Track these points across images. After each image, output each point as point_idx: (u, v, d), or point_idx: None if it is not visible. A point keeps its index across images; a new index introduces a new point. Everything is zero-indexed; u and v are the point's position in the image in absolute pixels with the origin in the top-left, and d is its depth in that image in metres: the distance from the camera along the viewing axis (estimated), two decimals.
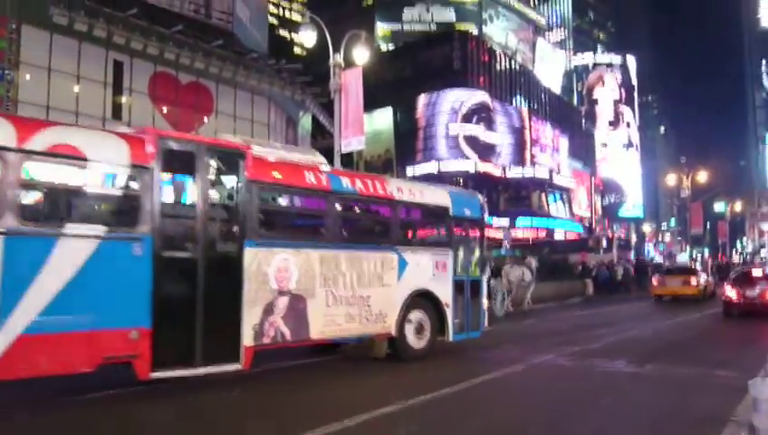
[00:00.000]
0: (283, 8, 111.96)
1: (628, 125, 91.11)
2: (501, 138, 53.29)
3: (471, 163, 49.52)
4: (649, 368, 10.40)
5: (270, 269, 8.45)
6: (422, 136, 51.68)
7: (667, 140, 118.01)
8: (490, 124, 52.44)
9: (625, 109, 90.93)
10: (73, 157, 6.83)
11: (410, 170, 49.10)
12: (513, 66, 62.73)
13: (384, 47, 64.61)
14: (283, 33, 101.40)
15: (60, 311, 6.55)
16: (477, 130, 51.09)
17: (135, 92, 23.65)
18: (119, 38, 22.16)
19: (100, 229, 6.94)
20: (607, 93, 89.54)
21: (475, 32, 64.48)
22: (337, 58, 16.46)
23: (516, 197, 52.86)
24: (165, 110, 24.45)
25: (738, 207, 77.18)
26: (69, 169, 7.00)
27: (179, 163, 8.01)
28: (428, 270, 10.82)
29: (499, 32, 72.84)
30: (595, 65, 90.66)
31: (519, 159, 53.88)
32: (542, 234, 50.26)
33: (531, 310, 22.06)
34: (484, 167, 49.89)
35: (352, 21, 45.40)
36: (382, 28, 69.89)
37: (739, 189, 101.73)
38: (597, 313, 21.43)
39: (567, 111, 72.56)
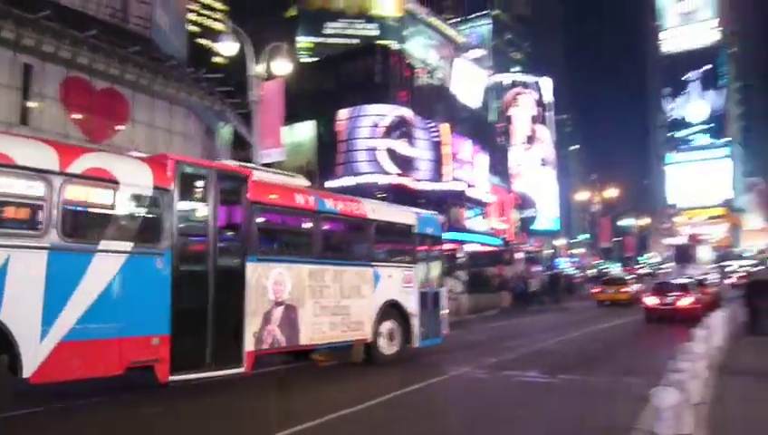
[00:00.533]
0: (204, 16, 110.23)
1: (543, 143, 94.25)
2: (421, 153, 53.94)
3: (391, 177, 49.92)
4: (561, 378, 10.74)
5: (268, 282, 9.64)
6: (343, 149, 51.69)
7: (580, 157, 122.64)
8: (411, 139, 52.99)
9: (540, 127, 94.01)
10: (107, 180, 7.83)
11: (331, 183, 49.03)
12: (433, 82, 63.76)
13: (306, 59, 64.44)
14: (204, 41, 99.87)
15: (95, 319, 7.40)
16: (398, 144, 51.53)
17: (46, 98, 22.66)
18: (29, 40, 21.23)
19: (128, 245, 7.95)
20: (522, 112, 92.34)
21: (396, 47, 65.26)
22: (258, 69, 16.34)
23: (436, 211, 53.53)
24: (78, 116, 23.53)
25: (643, 222, 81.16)
26: (103, 191, 7.94)
27: (193, 186, 9.09)
28: (398, 283, 12.32)
29: (420, 48, 73.99)
30: (512, 84, 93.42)
31: (439, 173, 54.66)
32: (460, 247, 51.10)
33: (462, 321, 22.56)
34: (405, 181, 50.39)
35: (274, 32, 45.12)
36: (304, 40, 69.76)
37: (644, 206, 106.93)
38: (514, 324, 22.01)
39: (486, 128, 74.25)
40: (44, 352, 6.90)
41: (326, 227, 11.38)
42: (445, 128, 57.32)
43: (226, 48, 16.12)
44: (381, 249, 12.61)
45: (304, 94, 48.07)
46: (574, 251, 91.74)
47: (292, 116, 17.63)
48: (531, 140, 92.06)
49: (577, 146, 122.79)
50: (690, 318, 18.07)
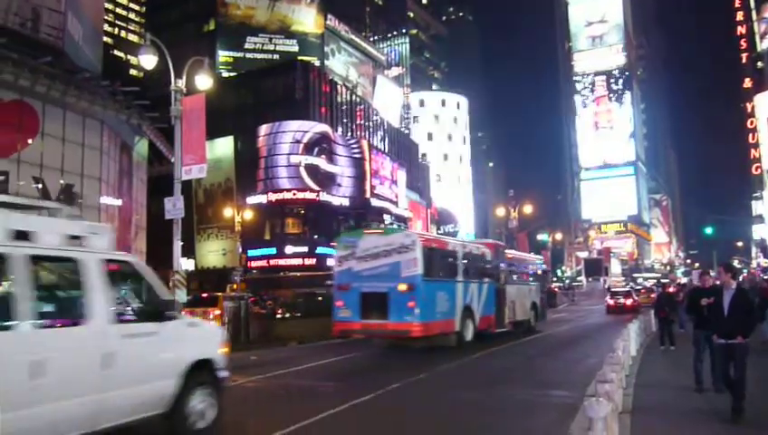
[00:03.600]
0: (119, 27, 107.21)
1: (461, 159, 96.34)
2: (342, 169, 54.14)
3: (312, 193, 49.83)
4: (491, 392, 10.96)
5: (507, 293, 21.50)
6: (264, 165, 51.24)
7: (496, 173, 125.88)
8: (331, 155, 53.13)
9: (457, 144, 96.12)
10: (483, 252, 21.03)
11: (252, 199, 48.46)
12: (353, 99, 64.22)
13: (225, 74, 63.63)
14: (119, 53, 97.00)
15: (485, 308, 19.77)
16: (319, 160, 51.56)
17: None
18: None
19: (486, 280, 20.36)
20: (440, 129, 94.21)
21: (317, 64, 65.38)
22: (179, 84, 16.04)
23: (356, 227, 53.68)
24: None
25: (558, 236, 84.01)
26: (483, 258, 20.84)
27: (498, 253, 22.36)
28: (536, 293, 25.51)
29: (340, 65, 74.39)
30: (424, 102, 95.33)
31: (360, 190, 54.97)
32: None
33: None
34: (326, 197, 50.40)
35: (192, 45, 44.48)
36: (224, 55, 68.90)
37: (559, 221, 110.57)
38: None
39: (405, 145, 75.26)
40: (472, 325, 18.63)
41: (520, 269, 24.92)
42: (365, 144, 57.79)
43: (146, 61, 15.68)
44: (533, 277, 26.12)
45: (224, 109, 47.43)
46: None
47: (211, 131, 17.36)
48: (448, 157, 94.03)
49: (491, 164, 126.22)
50: (631, 310, 34.20)
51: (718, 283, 9.07)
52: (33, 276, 5.47)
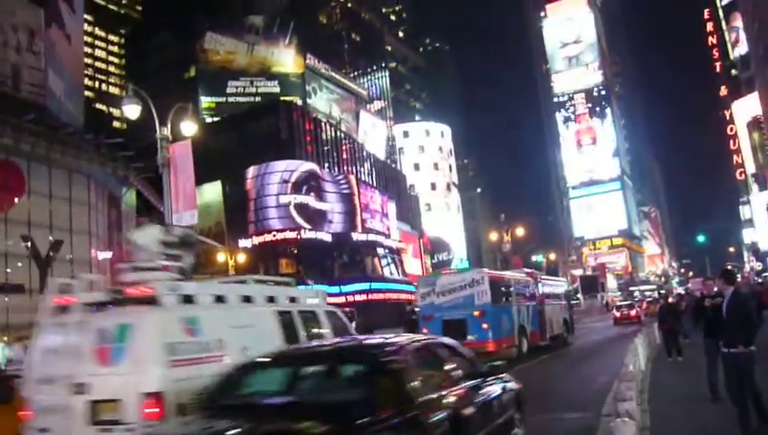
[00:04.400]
0: (99, 81, 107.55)
1: (448, 187, 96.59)
2: (332, 205, 54.05)
3: (304, 232, 49.64)
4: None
5: (546, 311, 25.18)
6: (253, 207, 51.11)
7: (484, 199, 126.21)
8: (320, 192, 53.09)
9: (444, 172, 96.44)
10: (528, 278, 25.60)
11: (245, 242, 48.19)
12: (338, 135, 64.44)
13: (209, 120, 63.80)
14: (101, 106, 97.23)
15: (532, 326, 23.50)
16: (308, 199, 51.50)
17: None
18: None
19: (530, 303, 24.10)
20: (426, 159, 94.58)
21: (300, 103, 65.73)
22: (164, 131, 15.96)
23: (351, 262, 53.48)
24: None
25: (552, 256, 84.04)
26: (525, 284, 24.93)
27: (538, 280, 26.59)
28: (566, 310, 28.93)
29: (323, 103, 74.83)
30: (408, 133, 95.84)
31: (350, 225, 54.80)
32: (379, 296, 51.01)
33: None
34: (317, 235, 50.20)
35: (174, 93, 44.46)
36: (206, 101, 69.21)
37: (551, 241, 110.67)
38: None
39: (393, 177, 75.41)
40: (528, 335, 22.64)
41: (552, 291, 28.23)
42: (353, 180, 57.85)
43: (130, 111, 15.60)
44: (563, 296, 29.94)
45: (209, 155, 47.28)
46: None
47: (198, 177, 17.22)
48: (437, 186, 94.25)
49: (479, 190, 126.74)
50: (636, 319, 38.90)
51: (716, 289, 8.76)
52: (302, 320, 8.83)
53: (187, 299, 6.87)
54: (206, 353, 6.63)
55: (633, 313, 41.67)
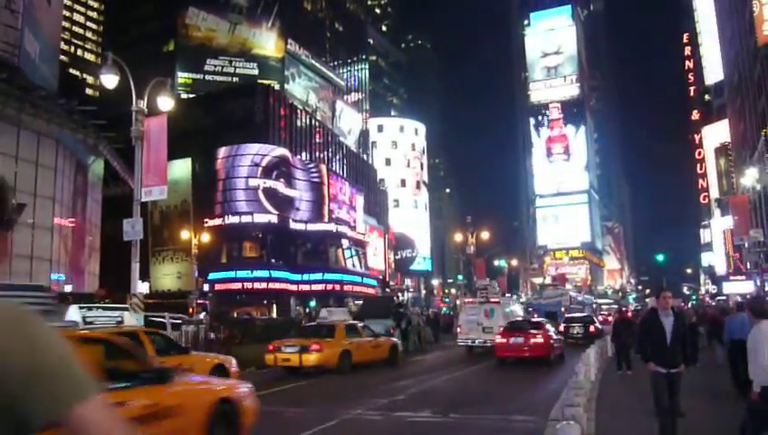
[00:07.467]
0: (76, 46, 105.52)
1: (418, 185, 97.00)
2: (300, 193, 53.95)
3: (270, 217, 49.51)
4: (453, 417, 10.96)
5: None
6: (221, 188, 50.80)
7: (453, 200, 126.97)
8: (290, 179, 52.95)
9: (416, 170, 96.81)
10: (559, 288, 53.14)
11: (211, 223, 47.91)
12: (313, 123, 64.29)
13: (184, 96, 63.09)
14: (75, 72, 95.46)
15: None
16: (277, 184, 51.35)
17: None
18: None
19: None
20: (398, 155, 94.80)
21: (277, 87, 65.39)
22: (140, 104, 15.86)
23: (314, 251, 53.52)
24: None
25: (515, 262, 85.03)
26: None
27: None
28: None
29: (300, 90, 74.53)
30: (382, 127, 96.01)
31: (318, 214, 54.78)
32: (336, 287, 51.17)
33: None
34: (283, 221, 50.11)
35: (151, 66, 43.93)
36: (183, 76, 68.42)
37: (514, 247, 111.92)
38: (406, 364, 21.99)
39: (363, 169, 75.51)
40: None
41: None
42: (324, 169, 57.80)
43: (108, 80, 15.44)
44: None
45: (181, 131, 46.68)
46: (452, 291, 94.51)
47: (169, 153, 17.07)
48: (406, 182, 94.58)
49: (448, 190, 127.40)
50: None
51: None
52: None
53: None
54: None
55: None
